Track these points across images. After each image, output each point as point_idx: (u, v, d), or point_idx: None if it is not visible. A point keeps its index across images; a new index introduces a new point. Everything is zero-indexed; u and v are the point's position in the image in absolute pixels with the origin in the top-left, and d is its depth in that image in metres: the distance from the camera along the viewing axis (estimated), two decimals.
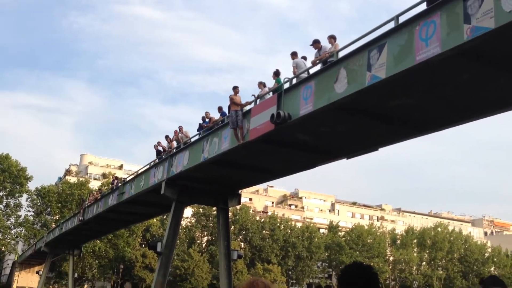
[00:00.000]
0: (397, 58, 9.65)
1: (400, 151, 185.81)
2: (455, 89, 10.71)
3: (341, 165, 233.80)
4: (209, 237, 78.98)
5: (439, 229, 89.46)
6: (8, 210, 70.40)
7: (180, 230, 30.94)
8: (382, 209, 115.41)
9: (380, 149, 14.58)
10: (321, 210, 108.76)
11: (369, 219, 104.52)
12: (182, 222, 30.93)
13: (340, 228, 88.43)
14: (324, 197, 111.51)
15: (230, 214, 22.72)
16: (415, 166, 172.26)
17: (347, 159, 15.53)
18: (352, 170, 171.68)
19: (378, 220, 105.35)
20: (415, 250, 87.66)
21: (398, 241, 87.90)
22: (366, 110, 11.98)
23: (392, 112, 12.10)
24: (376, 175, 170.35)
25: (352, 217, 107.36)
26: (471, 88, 10.60)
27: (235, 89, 15.75)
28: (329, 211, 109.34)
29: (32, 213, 72.42)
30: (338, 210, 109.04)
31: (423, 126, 12.88)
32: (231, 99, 15.38)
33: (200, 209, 76.82)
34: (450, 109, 11.83)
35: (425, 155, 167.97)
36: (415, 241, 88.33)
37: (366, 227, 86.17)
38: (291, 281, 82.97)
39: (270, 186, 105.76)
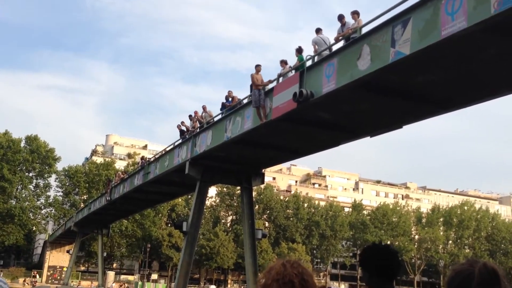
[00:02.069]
0: (422, 34, 9.44)
1: (425, 128, 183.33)
2: (481, 64, 10.45)
3: (365, 143, 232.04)
4: (234, 216, 79.78)
5: (466, 207, 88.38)
6: (38, 190, 72.36)
7: (205, 210, 31.35)
8: (407, 187, 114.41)
9: (405, 127, 14.41)
10: (345, 188, 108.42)
11: (394, 198, 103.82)
12: (206, 202, 31.37)
13: (364, 206, 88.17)
14: (348, 175, 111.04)
15: (254, 193, 22.84)
16: (440, 143, 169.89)
17: (371, 137, 15.39)
18: (376, 148, 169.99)
19: (403, 199, 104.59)
20: (441, 228, 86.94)
21: (424, 220, 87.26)
22: (390, 87, 11.81)
23: (416, 89, 11.90)
24: (401, 153, 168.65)
25: (376, 195, 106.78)
26: (497, 63, 10.33)
27: (257, 67, 15.65)
28: (353, 189, 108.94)
29: (61, 193, 74.26)
30: (362, 189, 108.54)
31: (448, 103, 12.65)
32: (253, 77, 15.31)
33: (224, 189, 77.47)
34: (476, 86, 11.57)
35: (451, 132, 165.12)
36: (441, 219, 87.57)
37: (391, 206, 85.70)
38: (316, 260, 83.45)
39: (293, 165, 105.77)
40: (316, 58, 13.07)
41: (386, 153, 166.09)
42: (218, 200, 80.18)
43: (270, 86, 15.11)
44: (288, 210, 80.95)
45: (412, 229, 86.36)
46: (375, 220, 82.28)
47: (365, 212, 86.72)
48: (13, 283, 58.57)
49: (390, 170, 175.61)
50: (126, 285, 65.94)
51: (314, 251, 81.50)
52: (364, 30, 11.33)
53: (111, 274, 64.10)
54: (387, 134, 15.21)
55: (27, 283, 59.26)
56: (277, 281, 2.11)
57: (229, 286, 77.98)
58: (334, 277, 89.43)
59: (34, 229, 75.08)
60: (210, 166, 20.26)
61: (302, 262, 2.27)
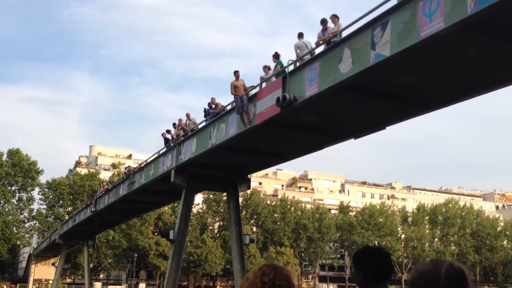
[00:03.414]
0: (401, 35, 9.56)
1: (408, 128, 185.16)
2: (461, 63, 10.61)
3: (349, 145, 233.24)
4: (221, 222, 79.52)
5: (450, 205, 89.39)
6: (21, 204, 71.29)
7: (191, 217, 31.22)
8: (393, 188, 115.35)
9: (388, 128, 14.55)
10: (331, 191, 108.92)
11: (380, 198, 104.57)
12: (193, 209, 31.26)
13: (351, 208, 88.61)
14: (333, 178, 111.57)
15: (241, 199, 22.84)
16: (423, 143, 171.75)
17: (355, 139, 15.51)
18: (361, 149, 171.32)
19: (388, 199, 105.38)
20: (427, 227, 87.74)
21: (410, 219, 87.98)
22: (372, 89, 11.92)
23: (398, 90, 12.03)
24: (385, 153, 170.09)
25: (362, 196, 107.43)
26: (477, 62, 10.50)
27: (236, 73, 15.72)
28: (339, 191, 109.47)
29: (45, 206, 73.28)
30: (348, 191, 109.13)
31: (430, 103, 12.80)
32: (232, 85, 15.38)
33: (211, 195, 77.21)
34: (457, 84, 11.74)
35: (433, 132, 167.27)
36: (427, 218, 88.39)
37: (377, 206, 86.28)
38: (304, 263, 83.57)
39: (279, 169, 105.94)
40: (298, 63, 13.14)
41: (371, 155, 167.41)
42: (205, 207, 79.87)
43: (253, 91, 15.15)
44: (275, 214, 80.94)
45: (399, 229, 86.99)
46: (362, 221, 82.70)
47: (351, 213, 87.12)
48: None
49: (375, 171, 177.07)
50: None
51: (302, 254, 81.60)
52: (344, 33, 11.43)
53: (98, 285, 63.37)
54: (371, 136, 15.36)
55: None
56: None
57: None
58: (323, 279, 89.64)
59: (18, 243, 73.92)
60: (195, 173, 20.20)
61: (278, 266, 2.28)
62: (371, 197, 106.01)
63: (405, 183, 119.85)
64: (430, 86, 11.88)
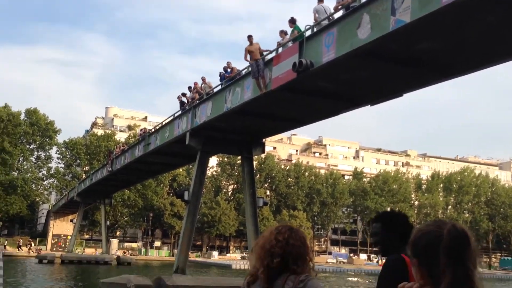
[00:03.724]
0: (422, 1, 9.33)
1: (425, 96, 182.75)
2: (481, 31, 10.36)
3: (365, 111, 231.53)
4: (235, 185, 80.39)
5: (466, 173, 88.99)
6: (39, 162, 72.84)
7: (206, 179, 31.57)
8: (407, 155, 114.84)
9: (405, 95, 14.39)
10: (346, 157, 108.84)
11: (394, 165, 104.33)
12: (207, 172, 31.53)
13: (364, 174, 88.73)
14: (348, 144, 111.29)
15: (255, 162, 23.01)
16: (441, 111, 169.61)
17: (371, 105, 15.39)
18: (377, 116, 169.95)
19: (403, 166, 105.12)
20: (441, 194, 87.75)
21: (424, 186, 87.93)
22: (390, 55, 11.73)
23: (417, 57, 11.82)
24: (401, 121, 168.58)
25: (376, 163, 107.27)
26: (497, 30, 10.24)
27: (249, 38, 15.51)
28: (354, 158, 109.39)
29: (63, 165, 74.76)
30: (363, 157, 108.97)
31: (449, 70, 12.58)
32: (247, 50, 15.22)
33: (225, 159, 77.83)
34: (477, 52, 11.50)
35: (451, 100, 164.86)
36: (441, 185, 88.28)
37: (391, 173, 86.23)
38: (317, 226, 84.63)
39: (293, 134, 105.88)
40: (315, 28, 12.94)
41: (387, 122, 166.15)
42: (219, 170, 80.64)
43: (270, 56, 15.02)
44: (289, 179, 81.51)
45: (412, 196, 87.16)
46: (375, 187, 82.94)
47: (365, 179, 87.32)
48: (19, 251, 59.54)
49: (390, 138, 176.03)
50: (129, 252, 67.04)
51: (315, 218, 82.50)
52: None
53: (114, 242, 65.08)
54: (387, 103, 15.21)
55: (32, 251, 60.21)
56: (262, 248, 2.27)
57: (231, 252, 79.21)
58: (335, 243, 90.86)
59: (37, 199, 75.87)
60: (210, 136, 20.32)
61: (294, 228, 2.36)
62: (385, 164, 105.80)
63: (420, 150, 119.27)
64: (450, 53, 11.65)
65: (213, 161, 71.46)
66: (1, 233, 75.73)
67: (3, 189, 65.16)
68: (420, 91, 14.40)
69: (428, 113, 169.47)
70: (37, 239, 70.15)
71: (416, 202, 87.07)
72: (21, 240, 64.20)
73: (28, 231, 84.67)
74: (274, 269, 2.22)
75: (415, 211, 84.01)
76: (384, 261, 2.76)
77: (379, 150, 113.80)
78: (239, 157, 57.66)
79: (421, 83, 13.75)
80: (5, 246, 60.60)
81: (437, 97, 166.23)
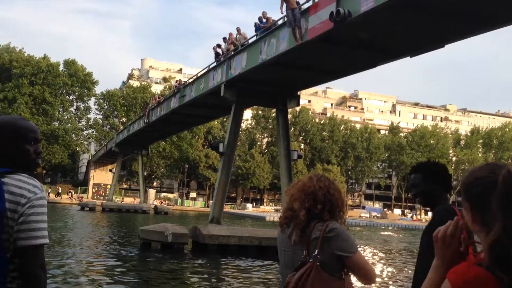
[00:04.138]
0: None
1: (467, 49, 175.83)
2: None
3: (403, 64, 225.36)
4: (269, 138, 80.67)
5: (507, 129, 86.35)
6: (78, 113, 74.82)
7: (240, 132, 31.65)
8: (446, 110, 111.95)
9: (446, 46, 13.85)
10: (382, 111, 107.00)
11: (432, 120, 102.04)
12: (242, 124, 31.58)
13: (401, 129, 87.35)
14: (385, 98, 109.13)
15: (289, 116, 22.88)
16: (483, 64, 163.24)
17: (411, 57, 14.92)
18: (415, 70, 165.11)
19: (441, 121, 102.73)
20: (480, 150, 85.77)
21: (462, 142, 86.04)
22: (431, 5, 11.25)
23: (460, 6, 11.29)
24: (441, 74, 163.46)
25: (414, 118, 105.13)
26: None
27: None
28: (390, 112, 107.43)
29: (101, 116, 76.56)
30: (400, 111, 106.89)
31: (492, 20, 12.00)
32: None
33: (260, 111, 77.80)
34: None
35: (493, 54, 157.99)
36: (481, 141, 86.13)
37: (429, 128, 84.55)
38: (351, 181, 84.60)
39: (329, 87, 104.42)
40: None
41: (426, 75, 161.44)
42: (253, 123, 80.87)
43: (306, 5, 14.62)
44: (323, 133, 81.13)
45: (450, 151, 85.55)
46: (412, 142, 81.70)
47: (401, 134, 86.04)
48: (57, 198, 62.10)
49: (429, 92, 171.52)
50: (166, 202, 69.04)
51: (349, 172, 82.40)
52: None
53: (152, 192, 67.04)
54: (427, 55, 14.72)
55: (74, 199, 62.78)
56: (302, 192, 2.29)
57: (265, 204, 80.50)
58: (369, 197, 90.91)
59: (77, 149, 78.40)
60: (245, 88, 20.23)
61: (332, 179, 2.41)
62: (423, 119, 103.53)
63: (460, 105, 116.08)
64: (495, 2, 11.07)
65: (247, 114, 71.56)
66: (45, 182, 78.93)
67: (45, 139, 67.46)
68: (462, 43, 13.87)
69: (469, 67, 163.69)
70: (79, 187, 72.94)
71: (454, 158, 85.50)
72: (60, 188, 66.77)
73: (70, 180, 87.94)
74: (302, 215, 2.24)
75: (453, 167, 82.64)
76: (433, 212, 2.72)
77: (416, 104, 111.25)
78: (273, 110, 57.50)
79: (463, 34, 13.19)
80: (48, 193, 63.32)
81: (479, 50, 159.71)
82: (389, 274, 14.52)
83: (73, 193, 66.71)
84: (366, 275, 2.20)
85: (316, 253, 2.14)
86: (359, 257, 2.20)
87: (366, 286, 2.32)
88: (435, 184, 2.80)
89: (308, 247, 2.18)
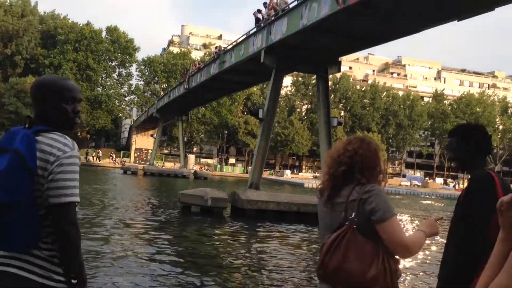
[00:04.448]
0: None
1: None
2: None
3: (449, 29, 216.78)
4: (309, 105, 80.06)
5: None
6: (120, 79, 76.32)
7: (280, 99, 31.42)
8: (494, 76, 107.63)
9: (496, 9, 13.19)
10: (426, 78, 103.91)
11: (479, 87, 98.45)
12: (281, 91, 31.30)
13: (445, 96, 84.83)
14: (429, 64, 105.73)
15: (330, 82, 22.48)
16: None
17: (458, 21, 14.30)
18: (462, 35, 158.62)
19: (489, 88, 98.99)
20: None
21: (510, 110, 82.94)
22: None
23: None
24: (489, 40, 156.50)
25: (459, 85, 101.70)
26: None
27: None
28: (435, 79, 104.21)
29: (142, 82, 77.81)
30: (445, 78, 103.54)
31: None
32: None
33: (300, 78, 77.05)
34: None
35: None
36: None
37: (475, 95, 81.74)
38: (391, 149, 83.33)
39: (370, 53, 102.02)
40: None
41: (473, 41, 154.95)
42: (293, 90, 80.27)
43: None
44: (364, 100, 79.78)
45: (497, 120, 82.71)
46: (456, 110, 79.39)
47: (446, 102, 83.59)
48: (95, 160, 63.90)
49: (476, 59, 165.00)
50: (206, 167, 70.10)
51: (390, 140, 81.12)
52: None
53: (191, 157, 68.11)
54: (476, 19, 14.07)
55: (117, 163, 64.60)
56: (331, 156, 2.33)
57: (303, 171, 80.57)
58: (410, 166, 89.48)
59: (120, 114, 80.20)
60: (285, 54, 19.98)
61: (366, 139, 2.35)
62: (469, 86, 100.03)
63: (509, 72, 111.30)
64: None
65: (287, 80, 71.00)
66: (89, 146, 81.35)
67: (89, 104, 69.29)
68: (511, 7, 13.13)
69: None
70: (121, 152, 74.88)
71: (501, 127, 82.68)
72: (100, 152, 68.44)
73: (113, 144, 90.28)
74: (339, 177, 2.24)
75: (499, 136, 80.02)
76: (469, 178, 2.62)
77: (463, 71, 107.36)
78: (313, 77, 56.73)
79: None
80: (93, 157, 65.31)
81: None
82: (426, 244, 14.36)
83: (114, 157, 68.53)
84: (399, 246, 2.09)
85: (352, 216, 2.13)
86: (393, 225, 2.09)
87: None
88: (472, 148, 2.69)
89: (346, 210, 2.16)
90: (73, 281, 1.94)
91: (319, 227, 2.40)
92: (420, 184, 71.43)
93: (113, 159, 66.94)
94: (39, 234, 1.91)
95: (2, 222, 1.86)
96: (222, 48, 29.13)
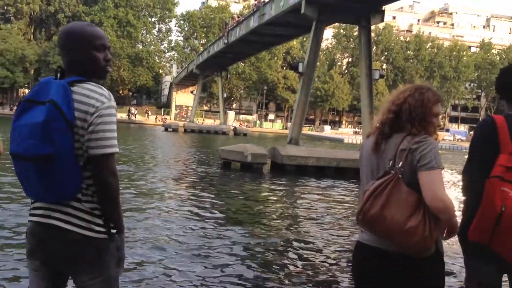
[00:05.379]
0: None
1: None
2: None
3: None
4: (350, 58, 78.23)
5: None
6: (160, 35, 76.43)
7: (320, 52, 30.58)
8: None
9: None
10: (474, 26, 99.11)
11: None
12: (322, 44, 30.38)
13: (493, 45, 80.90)
14: (478, 11, 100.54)
15: (372, 34, 21.63)
16: None
17: None
18: None
19: None
20: None
21: None
22: None
23: None
24: None
25: (510, 33, 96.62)
26: None
27: None
28: (483, 27, 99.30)
29: (182, 38, 77.63)
30: (494, 26, 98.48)
31: None
32: None
33: (341, 30, 75.00)
34: None
35: None
36: None
37: None
38: None
39: (416, 1, 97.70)
40: None
41: None
42: (334, 42, 78.35)
43: None
44: (408, 51, 77.14)
45: None
46: (505, 60, 75.78)
47: (494, 51, 79.77)
48: (130, 118, 64.90)
49: None
50: (245, 123, 70.26)
51: None
52: None
53: (231, 114, 68.34)
54: None
55: (158, 120, 65.59)
56: (386, 104, 2.29)
57: (343, 127, 79.64)
58: (454, 120, 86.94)
59: (160, 71, 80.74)
60: (326, 4, 19.25)
61: (425, 88, 2.24)
62: None
63: None
64: None
65: (328, 33, 69.23)
66: (131, 103, 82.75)
67: (130, 62, 69.93)
68: None
69: None
70: (162, 109, 75.81)
71: None
72: (132, 108, 69.08)
73: (154, 102, 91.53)
74: (387, 125, 2.20)
75: None
76: None
77: None
78: (355, 29, 55.02)
79: None
80: (135, 114, 66.43)
81: None
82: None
83: (149, 113, 69.06)
84: (436, 199, 1.99)
85: (400, 165, 2.08)
86: (436, 176, 2.01)
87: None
88: (498, 91, 2.76)
89: (394, 158, 2.12)
90: (112, 230, 1.99)
91: (360, 174, 2.33)
92: (464, 138, 69.42)
93: (147, 116, 67.60)
94: (79, 186, 1.92)
95: (43, 173, 1.87)
96: (262, 0, 28.43)
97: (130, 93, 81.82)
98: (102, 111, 1.89)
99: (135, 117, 65.33)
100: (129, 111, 65.64)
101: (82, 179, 1.92)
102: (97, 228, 1.96)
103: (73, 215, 1.94)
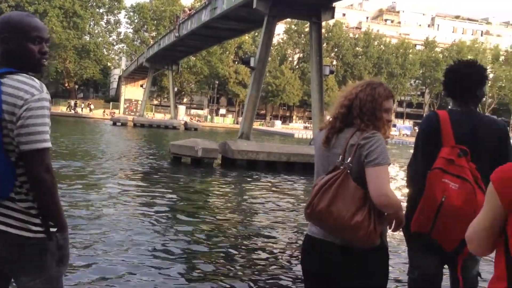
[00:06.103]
0: None
1: None
2: None
3: None
4: (301, 54, 79.06)
5: None
6: (109, 26, 74.30)
7: (271, 48, 30.72)
8: (488, 23, 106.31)
9: None
10: (420, 25, 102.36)
11: (473, 34, 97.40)
12: (273, 40, 30.53)
13: (437, 44, 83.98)
14: (424, 10, 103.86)
15: (322, 30, 21.92)
16: None
17: None
18: None
19: (482, 35, 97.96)
20: None
21: (502, 58, 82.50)
22: None
23: None
24: None
25: (453, 32, 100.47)
26: None
27: None
28: (428, 26, 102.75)
29: (131, 30, 75.87)
30: (438, 25, 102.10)
31: None
32: None
33: (293, 26, 75.65)
34: None
35: None
36: None
37: (467, 43, 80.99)
38: None
39: None
40: None
41: None
42: (285, 38, 78.94)
43: None
44: (357, 48, 78.83)
45: (488, 67, 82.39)
46: (448, 58, 78.77)
47: (437, 49, 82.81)
48: (69, 111, 63.22)
49: (472, 5, 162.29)
50: (196, 118, 69.74)
51: None
52: None
53: (182, 108, 67.61)
54: None
55: (106, 114, 64.01)
56: (338, 99, 2.33)
57: (294, 122, 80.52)
58: (399, 115, 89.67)
59: (108, 64, 78.62)
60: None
61: (376, 83, 2.27)
62: (463, 33, 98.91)
63: (503, 19, 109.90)
64: None
65: (279, 29, 69.67)
66: (77, 96, 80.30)
67: (77, 53, 67.76)
68: None
69: None
70: (110, 103, 73.96)
71: (491, 75, 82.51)
72: (72, 102, 67.18)
73: (102, 95, 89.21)
74: (338, 120, 2.24)
75: (489, 84, 79.93)
76: None
77: (457, 17, 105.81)
78: (306, 25, 55.62)
79: None
80: (81, 108, 64.44)
81: None
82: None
83: (92, 107, 67.30)
84: (381, 194, 2.02)
85: (349, 160, 2.12)
86: (382, 172, 2.05)
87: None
88: (443, 88, 2.92)
89: (344, 153, 2.16)
90: (52, 229, 1.90)
91: (315, 168, 2.37)
92: (409, 133, 71.76)
93: (89, 109, 65.93)
94: (13, 183, 1.82)
95: None
96: None
97: (77, 86, 79.33)
98: (31, 104, 1.78)
99: (76, 110, 63.46)
100: (70, 104, 63.71)
101: (15, 177, 1.82)
102: (34, 228, 1.88)
103: (8, 216, 1.85)
